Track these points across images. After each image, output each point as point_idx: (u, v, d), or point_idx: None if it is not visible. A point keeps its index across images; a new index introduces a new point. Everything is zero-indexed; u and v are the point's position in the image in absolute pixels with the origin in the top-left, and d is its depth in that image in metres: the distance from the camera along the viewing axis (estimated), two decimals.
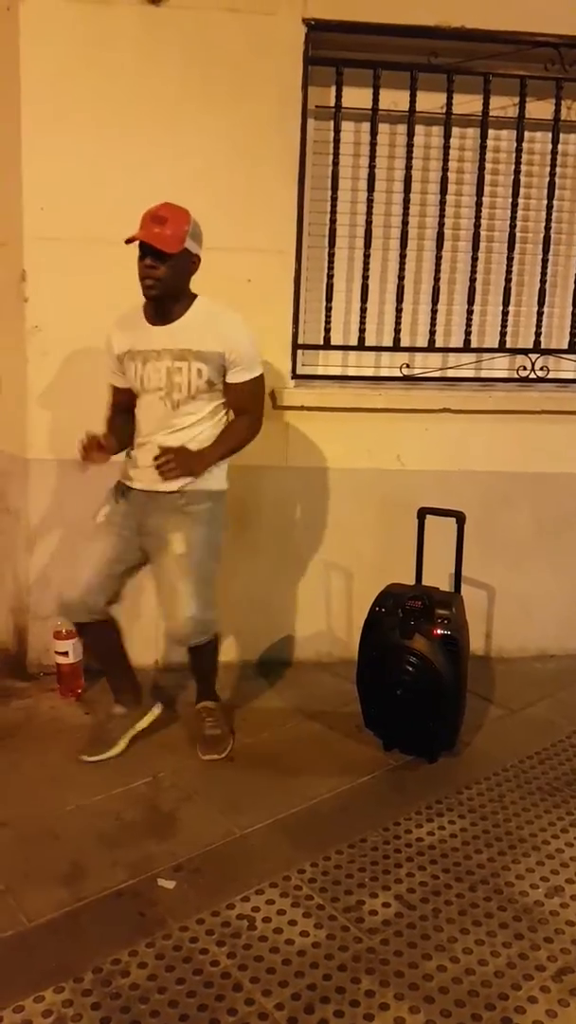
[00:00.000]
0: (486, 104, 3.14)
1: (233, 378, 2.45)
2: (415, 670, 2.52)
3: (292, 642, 3.36)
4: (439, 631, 2.54)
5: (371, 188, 3.17)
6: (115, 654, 2.67)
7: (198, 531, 2.48)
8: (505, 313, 3.33)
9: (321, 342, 3.26)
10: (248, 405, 2.51)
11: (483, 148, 3.20)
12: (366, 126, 3.15)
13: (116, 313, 2.54)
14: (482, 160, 3.21)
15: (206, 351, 2.40)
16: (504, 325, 3.34)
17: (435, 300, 3.28)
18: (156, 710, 2.78)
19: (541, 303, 3.36)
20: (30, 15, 2.81)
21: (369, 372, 3.32)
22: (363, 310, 3.24)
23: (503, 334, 3.35)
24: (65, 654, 3.00)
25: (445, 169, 3.19)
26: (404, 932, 1.92)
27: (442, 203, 3.22)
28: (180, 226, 2.32)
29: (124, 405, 2.56)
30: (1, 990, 1.73)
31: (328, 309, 3.23)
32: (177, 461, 2.37)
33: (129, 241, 2.31)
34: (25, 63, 2.83)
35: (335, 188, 3.15)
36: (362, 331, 3.26)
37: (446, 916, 1.97)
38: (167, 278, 2.34)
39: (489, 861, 2.18)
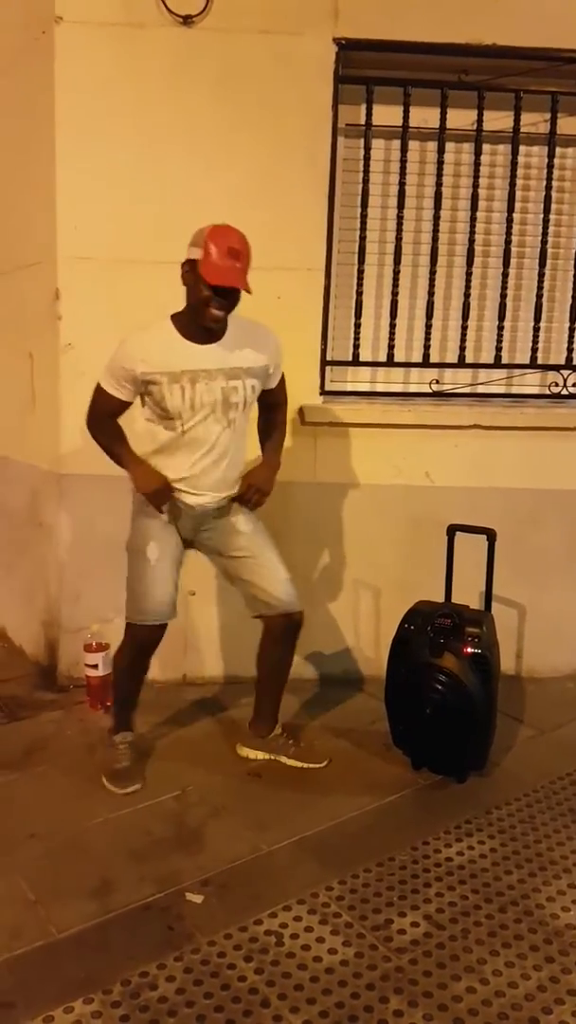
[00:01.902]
0: (517, 120, 3.15)
1: (273, 383, 2.55)
2: (445, 688, 2.51)
3: (320, 659, 3.35)
4: (469, 649, 2.52)
5: (401, 205, 3.18)
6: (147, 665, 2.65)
7: (255, 515, 2.59)
8: (536, 329, 3.32)
9: (350, 358, 3.27)
10: (283, 397, 2.65)
11: (514, 164, 3.20)
12: (396, 143, 3.17)
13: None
14: (513, 176, 3.21)
15: (256, 367, 2.44)
16: (535, 341, 3.33)
17: (465, 316, 3.28)
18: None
19: (573, 319, 3.34)
20: (64, 39, 2.87)
21: (398, 388, 3.33)
22: (392, 326, 3.25)
23: (534, 350, 3.34)
24: (95, 666, 3.03)
25: (476, 185, 3.20)
26: (433, 952, 1.90)
27: (472, 219, 3.23)
28: (250, 258, 2.31)
29: (116, 414, 2.45)
30: (31, 1000, 1.74)
31: (357, 326, 3.24)
32: (263, 494, 2.53)
33: (220, 287, 2.24)
34: (59, 85, 2.89)
35: (365, 205, 3.17)
36: (391, 347, 3.27)
37: (475, 937, 1.95)
38: (232, 310, 2.35)
39: (519, 882, 2.15)
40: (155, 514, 2.46)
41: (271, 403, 2.61)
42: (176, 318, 2.38)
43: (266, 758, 2.73)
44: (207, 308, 2.28)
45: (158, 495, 2.42)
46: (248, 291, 2.28)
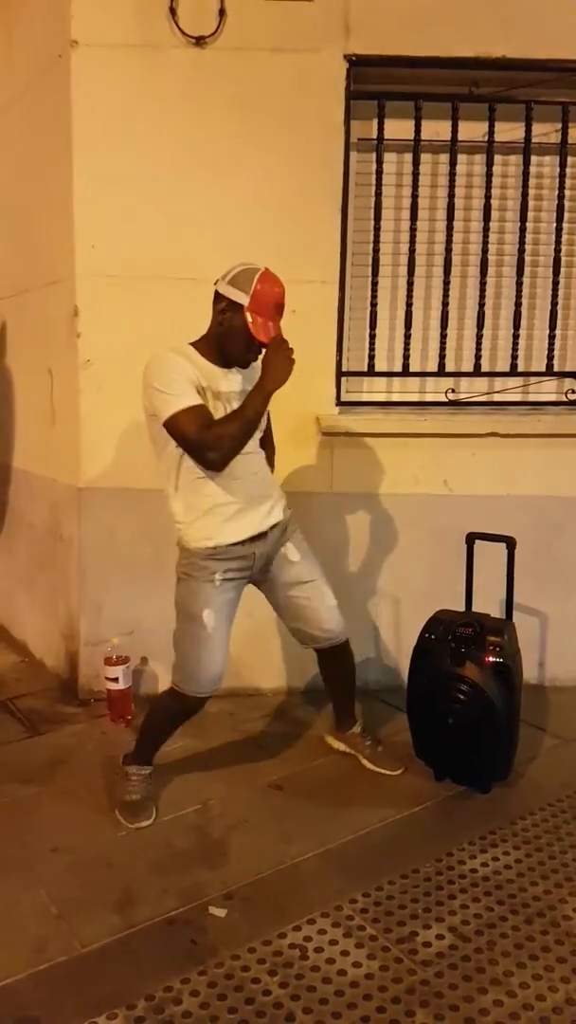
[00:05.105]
0: (528, 131, 3.16)
1: None
2: (466, 698, 2.49)
3: None
4: (491, 658, 2.50)
5: (414, 217, 3.20)
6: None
7: (301, 534, 2.58)
8: (552, 336, 3.32)
9: (365, 369, 3.28)
10: (271, 435, 2.63)
11: (526, 175, 3.21)
12: (408, 156, 3.18)
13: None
14: (525, 186, 3.22)
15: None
16: (551, 348, 3.32)
17: (480, 325, 3.28)
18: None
19: None
20: (80, 62, 2.92)
21: (414, 398, 3.33)
22: (407, 336, 3.26)
23: (550, 357, 3.33)
24: (115, 680, 3.03)
25: (488, 196, 3.21)
26: (459, 965, 1.88)
27: (485, 230, 3.23)
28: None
29: (210, 418, 2.26)
30: (55, 1016, 1.74)
31: (372, 337, 3.25)
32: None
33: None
34: (76, 106, 2.94)
35: (378, 218, 3.19)
36: (406, 357, 3.27)
37: (501, 949, 1.93)
38: None
39: (545, 894, 2.13)
40: (209, 578, 2.33)
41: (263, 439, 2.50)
42: (198, 346, 2.32)
43: (347, 751, 2.80)
44: (248, 353, 2.31)
45: (287, 351, 2.25)
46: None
